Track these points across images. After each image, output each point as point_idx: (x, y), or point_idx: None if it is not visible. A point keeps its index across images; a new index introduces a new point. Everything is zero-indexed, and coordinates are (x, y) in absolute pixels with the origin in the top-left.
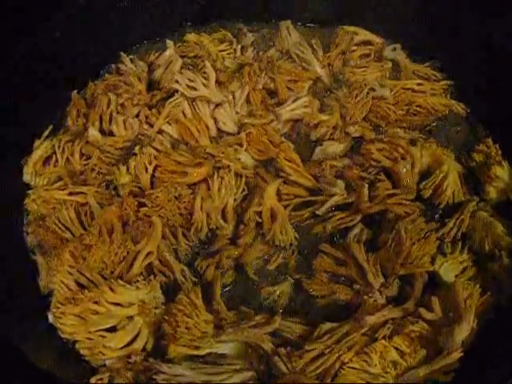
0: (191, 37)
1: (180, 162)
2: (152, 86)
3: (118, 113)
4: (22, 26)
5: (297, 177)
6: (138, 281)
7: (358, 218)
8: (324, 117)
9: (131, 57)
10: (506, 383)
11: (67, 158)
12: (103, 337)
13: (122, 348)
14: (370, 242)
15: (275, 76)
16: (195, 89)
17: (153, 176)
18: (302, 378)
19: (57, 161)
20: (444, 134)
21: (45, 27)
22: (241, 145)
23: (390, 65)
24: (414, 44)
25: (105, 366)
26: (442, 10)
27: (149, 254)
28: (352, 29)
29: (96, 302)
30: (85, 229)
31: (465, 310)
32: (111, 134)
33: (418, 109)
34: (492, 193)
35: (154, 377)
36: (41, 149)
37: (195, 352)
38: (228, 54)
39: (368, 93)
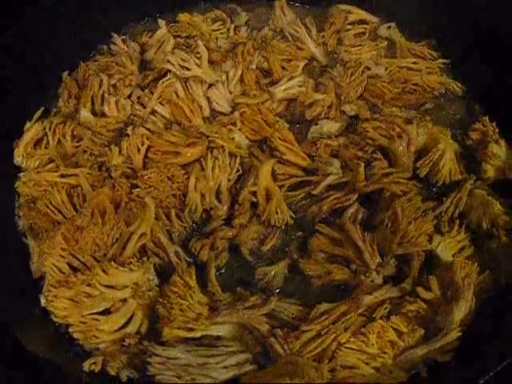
0: (184, 17)
1: (173, 143)
2: (144, 66)
3: (109, 94)
4: (11, 7)
5: (292, 156)
6: (131, 263)
7: (354, 197)
8: (319, 96)
9: (123, 37)
10: (505, 362)
11: (59, 140)
12: (96, 320)
13: (115, 331)
14: (367, 222)
15: (269, 55)
16: (188, 69)
17: (145, 157)
18: (299, 359)
19: (48, 143)
20: (440, 113)
21: (35, 8)
22: (235, 124)
23: (385, 43)
24: (409, 23)
25: (98, 349)
26: None
27: (142, 235)
28: (346, 7)
29: (89, 285)
30: (77, 211)
31: (463, 288)
32: (103, 115)
33: (414, 87)
34: (489, 171)
35: (149, 360)
36: (32, 131)
37: (190, 334)
38: (221, 33)
39: (363, 71)
